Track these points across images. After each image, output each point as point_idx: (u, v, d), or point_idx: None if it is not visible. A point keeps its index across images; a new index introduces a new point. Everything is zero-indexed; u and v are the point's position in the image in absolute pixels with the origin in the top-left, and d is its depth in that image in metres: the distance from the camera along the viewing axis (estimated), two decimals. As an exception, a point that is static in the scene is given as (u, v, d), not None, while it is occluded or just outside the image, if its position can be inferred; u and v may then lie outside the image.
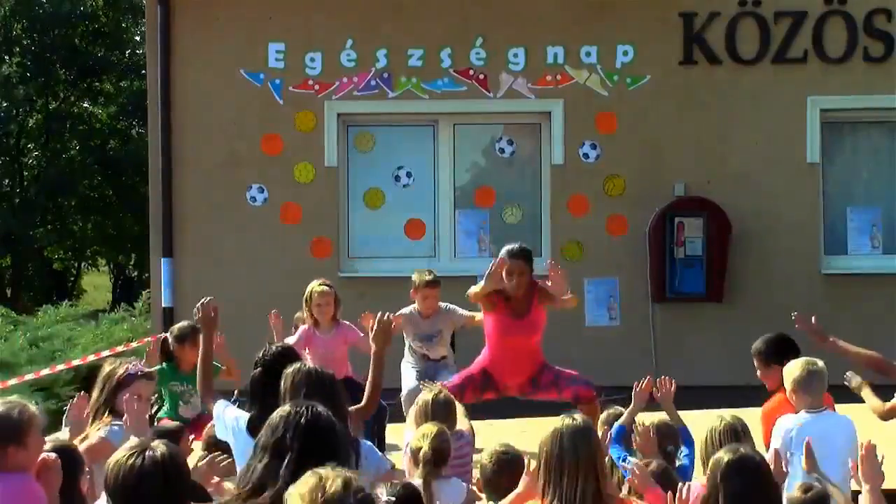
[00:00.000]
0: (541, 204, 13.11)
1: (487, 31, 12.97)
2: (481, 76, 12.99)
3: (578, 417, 5.30)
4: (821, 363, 6.53)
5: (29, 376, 11.85)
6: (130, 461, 4.10)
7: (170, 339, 9.05)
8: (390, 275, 12.44)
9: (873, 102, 12.93)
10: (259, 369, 5.81)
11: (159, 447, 4.16)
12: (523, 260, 8.60)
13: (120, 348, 13.55)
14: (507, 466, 5.77)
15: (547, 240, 13.00)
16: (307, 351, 8.79)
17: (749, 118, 12.93)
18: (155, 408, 8.78)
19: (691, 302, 12.81)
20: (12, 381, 11.74)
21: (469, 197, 13.25)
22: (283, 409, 4.36)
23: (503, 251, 8.66)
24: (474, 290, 8.62)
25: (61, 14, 27.21)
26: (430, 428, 6.06)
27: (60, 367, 12.56)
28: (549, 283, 8.45)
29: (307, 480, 3.42)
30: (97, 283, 38.49)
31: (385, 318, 6.19)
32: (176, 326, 9.24)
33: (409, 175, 13.19)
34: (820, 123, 12.93)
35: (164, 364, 8.91)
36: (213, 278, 12.49)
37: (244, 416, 5.74)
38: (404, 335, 9.57)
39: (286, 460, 4.18)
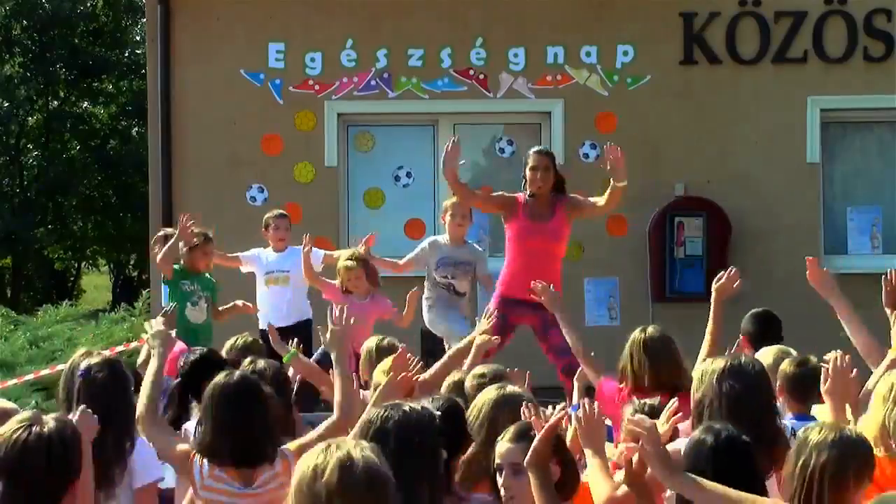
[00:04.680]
0: (541, 204, 13.09)
1: (487, 31, 12.97)
2: (481, 76, 12.98)
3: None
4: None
5: (29, 376, 11.86)
6: (15, 436, 3.95)
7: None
8: (390, 275, 12.41)
9: (873, 102, 12.92)
10: None
11: (49, 422, 4.00)
12: (547, 157, 8.92)
13: (120, 348, 13.56)
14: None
15: (547, 240, 12.99)
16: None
17: (749, 118, 12.92)
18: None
19: (691, 302, 12.74)
20: (12, 381, 11.76)
21: (469, 197, 13.23)
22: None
23: (529, 152, 8.96)
24: (451, 186, 8.85)
25: (61, 14, 27.20)
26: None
27: (60, 366, 12.52)
28: (608, 167, 8.56)
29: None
30: (97, 283, 38.49)
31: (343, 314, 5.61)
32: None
33: (409, 175, 13.18)
34: (820, 123, 12.93)
35: (176, 265, 9.57)
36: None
37: None
38: (427, 267, 9.48)
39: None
